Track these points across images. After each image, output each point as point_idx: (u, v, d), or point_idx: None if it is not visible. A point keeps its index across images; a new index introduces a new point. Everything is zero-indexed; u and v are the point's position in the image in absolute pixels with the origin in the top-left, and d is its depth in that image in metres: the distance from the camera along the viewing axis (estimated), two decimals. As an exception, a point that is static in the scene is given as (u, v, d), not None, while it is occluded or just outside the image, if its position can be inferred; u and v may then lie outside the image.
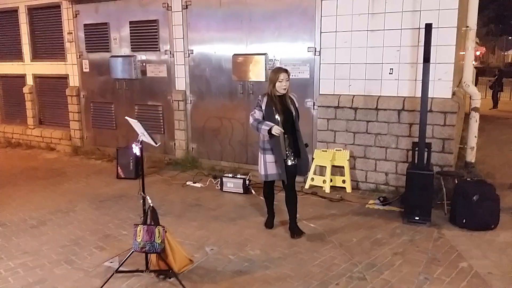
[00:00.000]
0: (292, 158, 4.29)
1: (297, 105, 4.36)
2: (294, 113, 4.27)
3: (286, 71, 4.22)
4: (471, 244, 4.19)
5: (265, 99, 4.24)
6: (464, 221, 4.51)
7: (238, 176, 6.03)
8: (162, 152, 7.49)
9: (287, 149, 4.27)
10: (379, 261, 3.85)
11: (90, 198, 5.80)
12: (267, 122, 4.12)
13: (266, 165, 4.28)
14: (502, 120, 12.69)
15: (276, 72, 4.22)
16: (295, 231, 4.40)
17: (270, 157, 4.26)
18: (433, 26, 4.67)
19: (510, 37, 19.44)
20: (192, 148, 7.36)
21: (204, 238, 4.42)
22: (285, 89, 4.19)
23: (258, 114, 4.23)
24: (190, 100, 7.23)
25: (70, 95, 8.50)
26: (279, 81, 4.15)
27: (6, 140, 9.61)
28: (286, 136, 4.22)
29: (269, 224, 4.65)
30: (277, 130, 4.06)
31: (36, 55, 9.03)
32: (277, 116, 4.17)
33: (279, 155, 4.20)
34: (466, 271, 3.65)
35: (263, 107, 4.21)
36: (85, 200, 5.74)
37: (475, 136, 5.68)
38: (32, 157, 8.40)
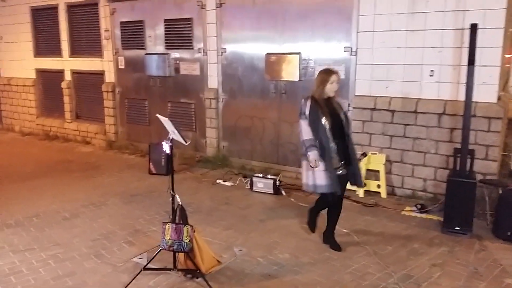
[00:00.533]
0: (341, 168, 3.91)
1: (344, 110, 4.06)
2: (343, 117, 3.93)
3: (337, 72, 3.96)
4: (516, 258, 3.92)
5: (308, 103, 3.88)
6: (509, 233, 4.24)
7: (269, 176, 5.93)
8: (193, 149, 7.49)
9: (338, 155, 3.88)
10: (416, 272, 3.65)
11: (122, 193, 5.85)
12: (313, 149, 3.81)
13: (315, 175, 3.85)
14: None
15: (327, 73, 3.92)
16: (332, 243, 4.15)
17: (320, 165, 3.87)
18: (478, 26, 4.42)
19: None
20: (223, 146, 7.33)
21: (233, 238, 4.35)
22: (335, 91, 3.94)
23: (305, 126, 3.86)
24: (222, 99, 7.19)
25: (106, 91, 8.65)
26: (330, 83, 3.86)
27: (44, 133, 9.90)
28: (336, 141, 3.85)
29: (312, 225, 4.38)
30: (312, 161, 3.80)
31: (74, 52, 9.24)
32: (323, 120, 3.80)
33: (329, 163, 3.81)
34: (512, 288, 3.41)
35: (307, 112, 3.85)
36: (117, 194, 5.79)
37: (522, 144, 5.35)
38: (68, 150, 8.61)
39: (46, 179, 6.54)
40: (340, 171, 3.89)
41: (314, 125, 3.83)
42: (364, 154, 4.03)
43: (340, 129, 3.88)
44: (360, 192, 5.67)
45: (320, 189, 3.88)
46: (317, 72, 5.96)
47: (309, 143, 3.84)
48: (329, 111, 3.86)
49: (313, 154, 3.80)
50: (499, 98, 5.11)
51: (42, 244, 4.27)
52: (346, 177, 3.96)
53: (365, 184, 5.45)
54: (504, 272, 3.66)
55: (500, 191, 4.70)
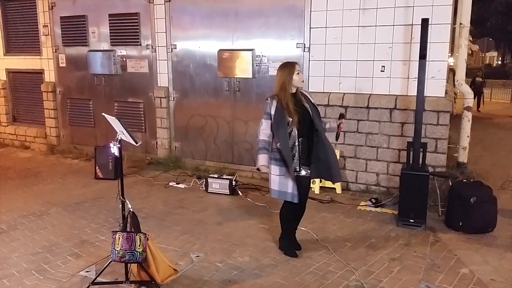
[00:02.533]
0: (307, 167, 3.69)
1: (313, 101, 3.75)
2: (310, 111, 3.64)
3: (297, 62, 3.77)
4: (470, 248, 4.02)
5: (274, 103, 3.59)
6: (460, 224, 4.36)
7: (224, 176, 5.76)
8: (143, 151, 7.16)
9: (300, 156, 3.63)
10: (376, 268, 3.64)
11: (65, 200, 5.44)
12: (264, 153, 3.63)
13: (271, 178, 3.64)
14: (485, 120, 12.77)
15: (290, 64, 3.68)
16: (294, 245, 3.96)
17: (275, 169, 3.61)
18: (426, 22, 4.51)
19: (491, 39, 19.60)
20: (175, 147, 7.05)
21: (189, 244, 4.14)
22: (303, 81, 3.71)
23: (265, 127, 3.62)
24: (173, 97, 6.92)
25: (46, 91, 8.07)
26: (297, 74, 3.61)
27: (-24, 139, 9.11)
28: (301, 140, 3.60)
29: (293, 253, 3.88)
30: (261, 167, 3.64)
31: (10, 49, 8.58)
32: (289, 118, 3.53)
33: (289, 168, 3.54)
34: (468, 277, 3.47)
35: (272, 112, 3.58)
36: (60, 202, 5.37)
37: (468, 136, 5.55)
38: (4, 156, 7.95)
39: (-21, 188, 5.97)
40: (304, 173, 3.68)
41: (278, 125, 3.56)
42: (342, 116, 3.73)
43: (309, 125, 3.63)
44: (316, 188, 5.65)
45: (274, 194, 3.65)
46: (271, 69, 6.02)
47: (262, 144, 3.64)
48: (297, 107, 3.58)
49: (262, 158, 3.63)
50: (446, 92, 5.27)
51: (-25, 261, 3.83)
52: (309, 180, 3.79)
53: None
54: (459, 262, 3.74)
55: (450, 183, 4.84)
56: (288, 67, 3.68)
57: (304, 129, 3.62)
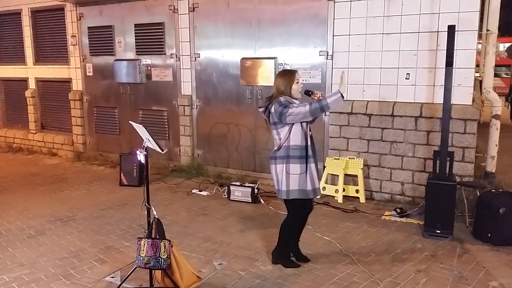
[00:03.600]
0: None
1: None
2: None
3: (297, 71, 3.69)
4: (499, 260, 3.90)
5: (289, 99, 3.54)
6: (489, 235, 4.23)
7: (246, 184, 5.77)
8: (166, 158, 7.25)
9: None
10: (402, 279, 3.56)
11: (91, 206, 5.54)
12: (327, 95, 3.39)
13: (289, 179, 3.52)
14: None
15: (290, 72, 3.62)
16: (302, 258, 3.89)
17: (296, 168, 3.51)
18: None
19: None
20: (198, 154, 7.11)
21: (212, 251, 4.15)
22: (301, 91, 3.63)
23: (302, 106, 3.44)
24: (196, 105, 6.99)
25: (73, 99, 8.29)
26: (296, 83, 3.56)
27: (7, 145, 9.40)
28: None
29: (295, 263, 3.81)
30: (343, 82, 3.34)
31: (39, 59, 8.86)
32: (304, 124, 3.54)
33: (315, 163, 3.56)
34: (498, 291, 3.36)
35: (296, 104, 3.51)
36: (86, 208, 5.48)
37: (496, 145, 5.40)
38: (33, 163, 8.17)
39: (9, 194, 6.14)
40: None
41: (298, 129, 3.53)
42: (307, 92, 3.68)
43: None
44: (339, 197, 5.60)
45: (293, 195, 3.54)
46: None
47: (316, 100, 3.42)
48: None
49: (333, 95, 3.35)
50: (473, 100, 5.15)
51: (5, 265, 3.93)
52: None
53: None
54: (488, 274, 3.63)
55: (478, 193, 4.72)
56: (288, 75, 3.61)
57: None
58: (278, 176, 3.58)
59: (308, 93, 3.61)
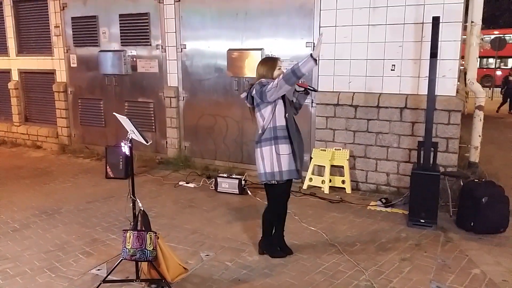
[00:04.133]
0: None
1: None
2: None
3: (279, 58, 3.70)
4: (481, 248, 3.98)
5: (270, 81, 3.53)
6: (472, 224, 4.31)
7: (233, 176, 5.77)
8: (153, 150, 7.20)
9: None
10: (386, 268, 3.62)
11: (77, 199, 5.49)
12: (300, 61, 3.29)
13: (280, 159, 3.49)
14: (497, 119, 12.61)
15: (272, 59, 3.67)
16: (284, 249, 3.88)
17: (285, 148, 3.51)
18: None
19: (503, 37, 19.39)
20: (185, 146, 7.08)
21: (199, 243, 4.16)
22: None
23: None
24: (183, 97, 6.95)
25: (57, 91, 8.16)
26: (278, 69, 3.60)
27: (-10, 138, 9.25)
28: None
29: (280, 253, 3.83)
30: (319, 44, 3.25)
31: (22, 50, 8.69)
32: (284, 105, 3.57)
33: (299, 143, 3.57)
34: (480, 278, 3.43)
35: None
36: (71, 201, 5.43)
37: (479, 135, 5.49)
38: (17, 156, 8.06)
39: (-7, 187, 6.06)
40: None
41: (280, 112, 3.54)
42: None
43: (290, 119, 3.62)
44: (326, 188, 5.64)
45: (289, 175, 3.54)
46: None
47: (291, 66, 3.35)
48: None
49: (305, 59, 3.26)
50: (457, 91, 5.22)
51: (-12, 259, 3.89)
52: None
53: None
54: (471, 262, 3.71)
55: (462, 183, 4.80)
56: (269, 62, 3.66)
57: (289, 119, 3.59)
58: (265, 160, 3.55)
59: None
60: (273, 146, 3.52)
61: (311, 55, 3.26)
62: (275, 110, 3.52)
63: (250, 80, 6.21)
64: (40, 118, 8.79)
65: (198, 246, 4.08)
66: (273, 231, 3.86)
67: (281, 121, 3.53)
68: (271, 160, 3.53)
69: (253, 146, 3.72)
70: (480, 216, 4.25)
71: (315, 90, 3.81)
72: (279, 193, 3.68)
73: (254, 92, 3.58)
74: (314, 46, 5.74)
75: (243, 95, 3.74)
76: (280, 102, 3.55)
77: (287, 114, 3.55)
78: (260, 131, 3.61)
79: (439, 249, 3.98)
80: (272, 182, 3.58)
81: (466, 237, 4.24)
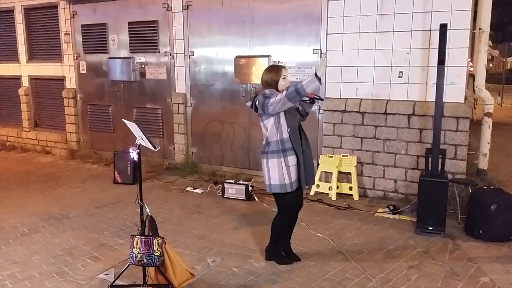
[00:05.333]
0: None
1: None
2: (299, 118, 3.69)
3: (284, 67, 3.64)
4: (490, 257, 3.94)
5: (275, 92, 3.53)
6: (480, 231, 4.27)
7: (240, 182, 5.78)
8: (161, 156, 7.25)
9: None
10: (394, 275, 3.60)
11: (85, 204, 5.54)
12: (304, 78, 3.31)
13: (290, 171, 3.51)
14: (506, 126, 12.49)
15: (277, 68, 3.60)
16: (291, 256, 3.89)
17: (292, 159, 3.52)
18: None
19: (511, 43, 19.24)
20: (192, 152, 7.12)
21: (206, 249, 4.16)
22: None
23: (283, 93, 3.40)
24: (191, 103, 7.00)
25: (67, 97, 8.26)
26: (283, 78, 3.55)
27: (0, 143, 9.35)
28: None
29: (287, 260, 3.83)
30: (324, 68, 3.29)
31: (32, 56, 8.81)
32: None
33: (307, 152, 3.58)
34: (489, 286, 3.40)
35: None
36: (80, 206, 5.48)
37: (488, 142, 5.45)
38: (26, 161, 8.14)
39: (3, 192, 6.12)
40: None
41: (287, 113, 3.54)
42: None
43: (297, 127, 3.64)
44: (333, 195, 5.63)
45: (292, 187, 3.54)
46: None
47: (292, 85, 3.36)
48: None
49: (307, 78, 3.27)
50: (465, 98, 5.20)
51: (-2, 263, 3.94)
52: None
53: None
54: (479, 270, 3.67)
55: (470, 190, 4.76)
56: (274, 70, 3.60)
57: (296, 127, 3.60)
58: (272, 172, 3.55)
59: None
60: (282, 159, 3.52)
61: (315, 74, 3.23)
62: (279, 122, 3.52)
63: (257, 87, 6.26)
64: (50, 124, 8.88)
65: (205, 252, 4.09)
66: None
67: (286, 134, 3.53)
68: (280, 172, 3.53)
69: (260, 152, 3.72)
70: (489, 223, 4.22)
71: (321, 99, 3.75)
72: (288, 202, 3.68)
73: (257, 102, 3.58)
74: (321, 53, 5.77)
75: (248, 103, 3.75)
76: (282, 115, 3.52)
77: (289, 129, 3.52)
78: (264, 142, 3.63)
79: (447, 256, 3.95)
80: (282, 192, 3.58)
81: (474, 244, 4.20)
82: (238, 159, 6.67)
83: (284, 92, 3.38)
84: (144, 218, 3.36)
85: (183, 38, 6.82)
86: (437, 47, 4.44)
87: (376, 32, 5.41)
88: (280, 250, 3.87)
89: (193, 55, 6.82)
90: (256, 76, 6.20)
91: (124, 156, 6.35)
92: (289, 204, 3.69)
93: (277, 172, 3.54)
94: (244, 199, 5.60)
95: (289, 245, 3.90)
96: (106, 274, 3.66)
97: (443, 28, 4.33)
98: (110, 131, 7.91)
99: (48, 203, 5.61)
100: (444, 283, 3.45)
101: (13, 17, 8.74)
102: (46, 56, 8.57)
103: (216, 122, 6.80)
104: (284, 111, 3.52)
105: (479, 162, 5.52)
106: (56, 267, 3.83)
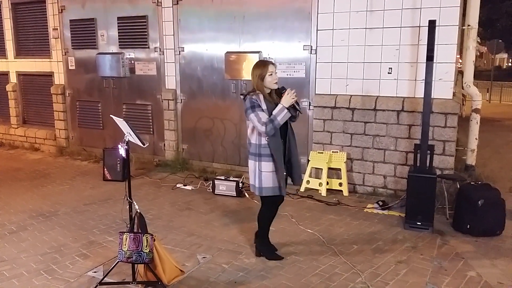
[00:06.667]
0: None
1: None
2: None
3: (273, 63, 3.60)
4: (477, 251, 3.99)
5: (261, 97, 3.50)
6: (468, 226, 4.32)
7: (231, 178, 5.78)
8: (151, 153, 7.21)
9: (284, 153, 3.60)
10: (382, 270, 3.63)
11: (74, 202, 5.49)
12: (275, 112, 3.42)
13: (261, 176, 3.54)
14: (494, 122, 12.64)
15: (263, 64, 3.56)
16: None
17: (267, 166, 3.52)
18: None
19: (500, 41, 19.45)
20: (183, 149, 7.09)
21: (196, 245, 4.16)
22: (276, 83, 3.55)
23: (263, 116, 3.44)
24: (181, 99, 6.96)
25: (55, 93, 8.17)
26: (269, 75, 3.50)
27: (-13, 140, 9.24)
28: (282, 140, 3.58)
29: (278, 256, 3.86)
30: (290, 98, 3.40)
31: (20, 52, 8.70)
32: None
33: (280, 162, 3.53)
34: (475, 280, 3.44)
35: (264, 107, 3.48)
36: (69, 203, 5.43)
37: (476, 138, 5.50)
38: (15, 158, 8.05)
39: (-10, 189, 6.06)
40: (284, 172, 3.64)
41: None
42: (281, 91, 3.55)
43: (285, 126, 3.59)
44: (323, 191, 5.65)
45: (266, 192, 3.58)
46: (278, 71, 6.03)
47: (269, 119, 3.43)
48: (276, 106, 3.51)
49: (280, 112, 3.41)
50: (454, 94, 5.24)
51: (-15, 261, 3.89)
52: (286, 178, 3.74)
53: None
54: (467, 265, 3.71)
55: (458, 186, 4.81)
56: (261, 66, 3.56)
57: (282, 130, 3.58)
58: (251, 172, 3.65)
59: (281, 91, 3.57)
60: (257, 163, 3.57)
61: (283, 105, 3.41)
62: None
63: (248, 83, 6.26)
64: (38, 120, 8.79)
65: (195, 249, 4.08)
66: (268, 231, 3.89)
67: (265, 141, 3.53)
68: (255, 174, 3.61)
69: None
70: (477, 218, 4.27)
71: (300, 111, 3.66)
72: (269, 201, 3.72)
73: (244, 103, 3.60)
74: (311, 50, 5.78)
75: (242, 97, 3.75)
76: None
77: (267, 137, 3.51)
78: (248, 141, 3.68)
79: (435, 251, 3.99)
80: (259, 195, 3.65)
81: (462, 239, 4.25)
82: (229, 155, 6.66)
83: (263, 128, 3.42)
84: (133, 215, 3.34)
85: (173, 33, 6.78)
86: (426, 43, 4.46)
87: (366, 28, 5.43)
88: (270, 245, 3.89)
89: (183, 51, 6.78)
90: (247, 72, 6.18)
91: (114, 153, 6.30)
92: (269, 200, 3.70)
93: (252, 173, 3.63)
94: (235, 195, 5.60)
95: (262, 238, 3.89)
96: (95, 272, 3.64)
97: (432, 24, 4.35)
98: (99, 127, 7.84)
99: (37, 201, 5.55)
100: (432, 278, 3.49)
101: (0, 12, 8.61)
102: (34, 52, 8.47)
103: (206, 118, 6.78)
104: None
105: (467, 157, 5.57)
106: (45, 265, 3.79)
